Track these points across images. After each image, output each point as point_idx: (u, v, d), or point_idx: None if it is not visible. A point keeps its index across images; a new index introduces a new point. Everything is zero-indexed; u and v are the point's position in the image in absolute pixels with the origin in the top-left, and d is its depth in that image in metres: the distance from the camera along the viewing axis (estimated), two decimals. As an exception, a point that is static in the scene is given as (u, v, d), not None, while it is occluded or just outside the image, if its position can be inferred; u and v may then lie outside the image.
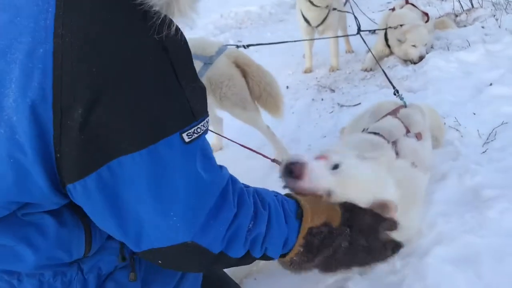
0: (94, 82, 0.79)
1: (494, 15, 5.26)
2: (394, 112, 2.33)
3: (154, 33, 0.83)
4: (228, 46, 2.87)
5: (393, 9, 5.26)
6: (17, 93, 0.78)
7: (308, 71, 5.13)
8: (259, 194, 1.11)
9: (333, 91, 4.42)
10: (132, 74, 0.82)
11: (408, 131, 2.17)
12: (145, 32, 0.83)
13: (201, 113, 0.92)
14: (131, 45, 0.82)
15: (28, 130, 0.80)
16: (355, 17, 4.26)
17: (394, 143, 1.98)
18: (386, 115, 2.31)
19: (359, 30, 4.03)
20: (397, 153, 1.91)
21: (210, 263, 1.03)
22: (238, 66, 2.82)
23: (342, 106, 3.97)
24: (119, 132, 0.82)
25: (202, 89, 0.97)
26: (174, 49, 0.87)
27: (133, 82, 0.82)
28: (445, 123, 2.87)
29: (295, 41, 4.23)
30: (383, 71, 3.20)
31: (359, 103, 3.89)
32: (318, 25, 4.91)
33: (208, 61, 2.66)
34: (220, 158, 2.96)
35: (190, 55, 0.95)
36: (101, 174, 0.84)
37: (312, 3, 4.68)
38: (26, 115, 0.78)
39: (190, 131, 0.88)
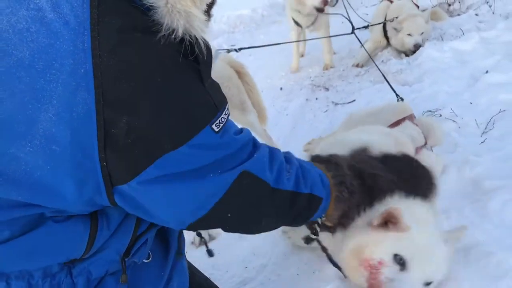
0: (134, 95, 0.90)
1: (487, 2, 5.14)
2: (411, 118, 2.24)
3: (184, 51, 0.96)
4: (219, 51, 2.84)
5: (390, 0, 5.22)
6: (60, 108, 0.86)
7: (294, 70, 5.11)
8: None
9: (327, 89, 4.36)
10: (166, 84, 0.94)
11: (425, 143, 2.12)
12: (175, 48, 0.95)
13: (221, 103, 1.06)
14: (162, 60, 0.94)
15: (68, 141, 0.88)
16: (348, 16, 4.21)
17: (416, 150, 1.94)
18: (403, 119, 2.21)
19: (353, 29, 3.98)
20: None
21: (269, 198, 1.14)
22: (232, 67, 2.80)
23: (336, 104, 3.90)
24: (160, 133, 0.94)
25: (216, 83, 1.12)
26: (202, 60, 1.02)
27: (168, 90, 0.94)
28: (441, 115, 2.80)
29: (285, 42, 4.18)
30: (378, 69, 3.12)
31: (354, 100, 3.83)
32: (308, 26, 4.94)
33: None
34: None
35: (211, 59, 1.10)
36: (149, 172, 0.94)
37: (300, 11, 4.75)
38: (68, 128, 0.87)
39: (217, 121, 1.02)
